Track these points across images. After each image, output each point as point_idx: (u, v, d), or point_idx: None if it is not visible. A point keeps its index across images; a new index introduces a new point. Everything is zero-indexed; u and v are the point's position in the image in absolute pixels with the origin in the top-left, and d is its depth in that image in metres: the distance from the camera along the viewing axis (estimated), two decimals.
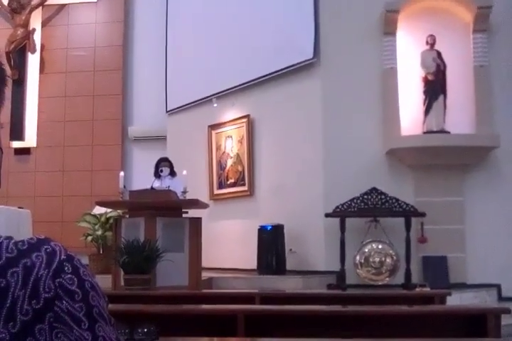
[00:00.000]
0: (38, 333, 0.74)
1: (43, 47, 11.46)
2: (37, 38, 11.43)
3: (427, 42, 7.90)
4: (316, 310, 3.33)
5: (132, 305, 3.51)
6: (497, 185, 7.76)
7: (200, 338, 2.37)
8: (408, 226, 7.40)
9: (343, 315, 3.28)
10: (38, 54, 11.42)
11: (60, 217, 10.75)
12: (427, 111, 7.78)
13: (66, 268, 0.79)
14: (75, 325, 0.77)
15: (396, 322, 3.15)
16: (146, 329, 2.17)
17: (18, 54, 11.23)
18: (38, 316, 0.75)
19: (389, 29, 7.93)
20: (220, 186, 9.61)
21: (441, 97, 7.76)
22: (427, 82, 7.86)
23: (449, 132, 7.70)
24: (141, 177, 9.43)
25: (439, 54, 7.85)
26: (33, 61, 11.42)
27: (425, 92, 7.85)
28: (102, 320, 0.80)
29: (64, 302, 0.77)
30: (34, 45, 11.39)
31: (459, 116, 7.78)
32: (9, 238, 0.81)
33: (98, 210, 8.99)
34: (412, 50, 7.99)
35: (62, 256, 0.80)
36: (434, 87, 7.80)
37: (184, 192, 7.31)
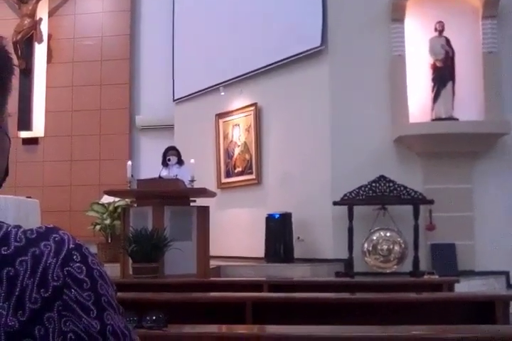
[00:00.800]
0: (46, 321, 0.75)
1: (50, 37, 11.46)
2: (44, 27, 11.42)
3: (436, 29, 7.84)
4: (324, 297, 3.34)
5: (141, 294, 3.53)
6: (506, 172, 7.72)
7: (208, 325, 2.38)
8: (416, 213, 7.40)
9: (351, 302, 3.28)
10: (45, 44, 11.42)
11: (69, 206, 10.80)
12: (435, 98, 7.74)
13: (75, 257, 0.79)
14: (83, 314, 0.77)
15: (404, 310, 3.15)
16: (154, 317, 2.18)
17: (25, 44, 11.23)
18: (46, 304, 0.75)
19: (397, 16, 7.87)
20: (228, 175, 9.61)
21: (449, 84, 7.71)
22: (435, 69, 7.81)
23: (457, 119, 7.66)
24: (149, 166, 9.46)
25: (447, 41, 7.79)
26: (40, 51, 11.42)
27: (434, 79, 7.80)
28: (110, 308, 0.80)
29: (73, 290, 0.77)
30: (41, 35, 11.38)
31: (468, 103, 7.74)
32: (18, 227, 0.81)
33: (106, 199, 9.02)
34: (421, 36, 7.94)
35: (71, 245, 0.80)
36: (443, 74, 7.75)
37: (192, 180, 7.32)
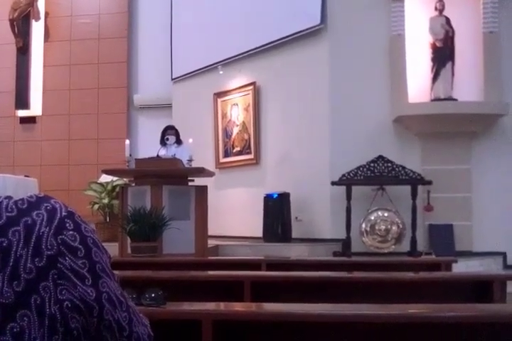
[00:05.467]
0: (42, 291, 0.74)
1: (47, 14, 11.35)
2: (41, 5, 11.31)
3: (436, 8, 7.78)
4: (322, 276, 3.34)
5: (140, 272, 3.53)
6: (505, 153, 7.71)
7: (207, 303, 2.38)
8: (414, 194, 7.40)
9: (349, 281, 3.28)
10: (42, 21, 11.31)
11: (67, 185, 10.79)
12: (434, 78, 7.70)
13: (68, 225, 0.78)
14: (78, 282, 0.76)
15: (402, 289, 3.16)
16: (153, 295, 2.17)
17: (22, 21, 11.13)
18: (41, 274, 0.74)
19: None
20: (226, 154, 9.59)
21: (449, 64, 7.67)
22: (435, 49, 7.76)
23: (456, 99, 7.63)
24: (147, 145, 9.42)
25: (447, 20, 7.73)
26: (37, 29, 11.32)
27: (433, 59, 7.76)
28: (105, 275, 0.80)
29: (67, 259, 0.76)
30: (38, 13, 11.26)
31: (467, 83, 7.71)
32: (9, 197, 0.80)
33: (104, 178, 9.01)
34: (421, 16, 7.87)
35: (63, 213, 0.79)
36: (443, 54, 7.70)
37: (190, 160, 7.30)
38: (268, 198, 8.18)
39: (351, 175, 7.54)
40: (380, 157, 7.55)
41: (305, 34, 8.27)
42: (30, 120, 11.27)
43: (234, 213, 9.15)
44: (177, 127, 8.14)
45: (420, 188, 7.50)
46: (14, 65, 11.00)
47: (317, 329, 2.21)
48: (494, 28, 7.64)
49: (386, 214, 7.58)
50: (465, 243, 7.58)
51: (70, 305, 0.75)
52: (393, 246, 7.54)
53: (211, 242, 7.55)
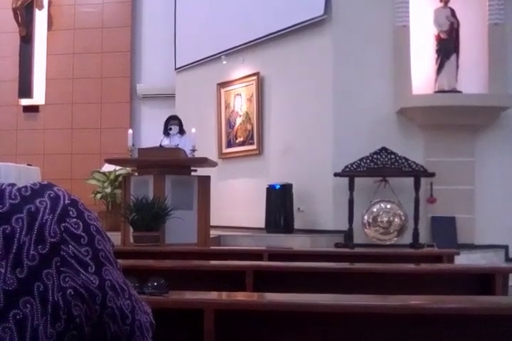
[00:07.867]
0: (45, 278, 0.74)
1: (50, 3, 11.32)
2: None
3: (441, 0, 7.73)
4: (325, 266, 3.34)
5: (142, 261, 3.53)
6: (508, 146, 7.69)
7: (209, 292, 2.38)
8: (417, 186, 7.39)
9: (351, 272, 3.29)
10: (45, 10, 11.28)
11: (69, 174, 10.80)
12: (439, 70, 7.67)
13: (71, 213, 0.78)
14: (81, 269, 0.76)
15: (403, 280, 3.16)
16: (156, 283, 2.18)
17: (26, 10, 11.10)
18: (44, 261, 0.74)
19: None
20: (229, 145, 9.58)
21: (453, 56, 7.64)
22: (439, 41, 7.73)
23: (460, 91, 7.61)
24: (150, 135, 9.43)
25: (452, 12, 7.69)
26: (40, 17, 11.29)
27: (438, 51, 7.72)
28: (108, 263, 0.80)
29: (70, 246, 0.76)
30: (41, 1, 11.24)
31: (472, 76, 7.67)
32: (12, 184, 0.79)
33: (107, 168, 9.02)
34: (426, 7, 7.82)
35: (67, 201, 0.79)
36: (447, 46, 7.67)
37: (193, 150, 7.31)
38: (271, 189, 8.18)
39: (354, 166, 7.53)
40: (383, 149, 7.54)
41: (308, 25, 8.23)
42: (33, 109, 11.27)
43: (236, 203, 9.15)
44: (180, 117, 8.13)
45: (423, 180, 7.49)
46: (17, 54, 10.99)
47: (319, 319, 2.21)
48: (499, 19, 7.60)
49: (389, 206, 7.57)
50: (467, 236, 7.57)
51: (73, 293, 0.75)
52: (395, 238, 7.53)
53: (213, 232, 7.56)
